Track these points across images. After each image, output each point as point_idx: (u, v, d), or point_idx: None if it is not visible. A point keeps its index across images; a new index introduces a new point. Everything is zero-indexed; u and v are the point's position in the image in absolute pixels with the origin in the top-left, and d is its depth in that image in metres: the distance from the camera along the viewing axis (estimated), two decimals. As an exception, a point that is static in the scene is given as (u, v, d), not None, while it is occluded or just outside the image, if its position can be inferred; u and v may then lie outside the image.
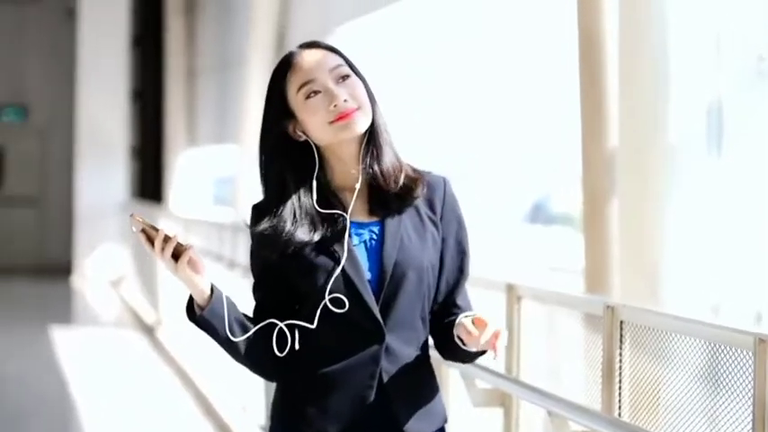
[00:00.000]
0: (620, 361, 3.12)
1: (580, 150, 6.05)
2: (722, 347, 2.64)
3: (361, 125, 2.66)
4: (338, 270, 2.64)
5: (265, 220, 2.69)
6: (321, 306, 2.64)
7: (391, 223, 2.70)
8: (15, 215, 20.46)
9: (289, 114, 2.68)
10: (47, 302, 16.34)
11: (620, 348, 3.12)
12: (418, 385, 2.71)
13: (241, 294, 3.64)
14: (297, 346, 2.66)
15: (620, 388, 3.12)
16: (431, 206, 2.73)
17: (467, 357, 2.71)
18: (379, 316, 2.65)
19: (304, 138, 2.68)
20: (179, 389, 9.35)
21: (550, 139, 8.40)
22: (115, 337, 12.50)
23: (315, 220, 2.67)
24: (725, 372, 2.62)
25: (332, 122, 2.63)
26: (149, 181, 18.98)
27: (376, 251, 2.69)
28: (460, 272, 2.76)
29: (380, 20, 10.77)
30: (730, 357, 2.60)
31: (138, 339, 12.09)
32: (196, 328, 2.68)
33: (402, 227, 2.70)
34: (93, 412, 8.61)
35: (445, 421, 2.76)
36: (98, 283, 17.05)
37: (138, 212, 2.70)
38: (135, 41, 19.05)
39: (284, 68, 2.69)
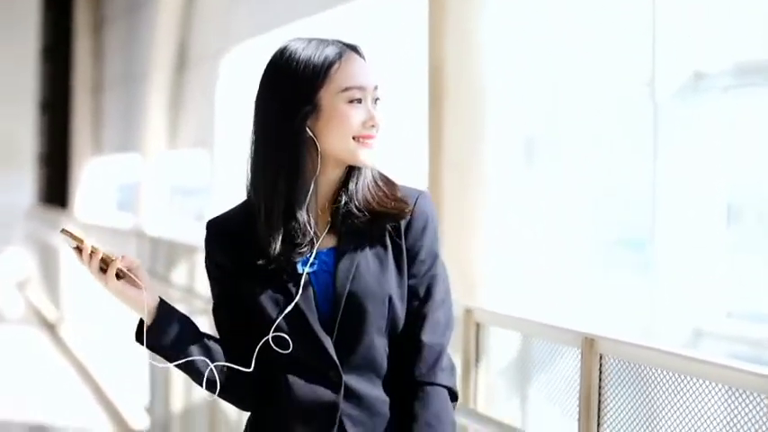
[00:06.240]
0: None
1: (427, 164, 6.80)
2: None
3: (375, 157, 2.39)
4: (291, 305, 2.33)
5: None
6: (262, 344, 2.35)
7: (347, 250, 2.37)
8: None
9: (314, 107, 2.35)
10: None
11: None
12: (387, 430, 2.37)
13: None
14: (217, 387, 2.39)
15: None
16: (395, 228, 2.40)
17: None
18: (334, 354, 2.33)
19: (310, 134, 2.35)
20: (76, 379, 10.06)
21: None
22: (19, 334, 13.19)
23: (292, 231, 2.35)
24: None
25: (357, 139, 2.35)
26: (56, 187, 19.45)
27: (326, 282, 2.36)
28: (427, 297, 2.41)
29: (277, 39, 11.40)
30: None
31: (40, 336, 12.76)
32: (151, 352, 2.38)
33: (360, 253, 2.37)
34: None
35: None
36: (5, 284, 17.49)
37: (68, 227, 2.43)
38: (44, 54, 19.55)
39: (331, 61, 2.36)
